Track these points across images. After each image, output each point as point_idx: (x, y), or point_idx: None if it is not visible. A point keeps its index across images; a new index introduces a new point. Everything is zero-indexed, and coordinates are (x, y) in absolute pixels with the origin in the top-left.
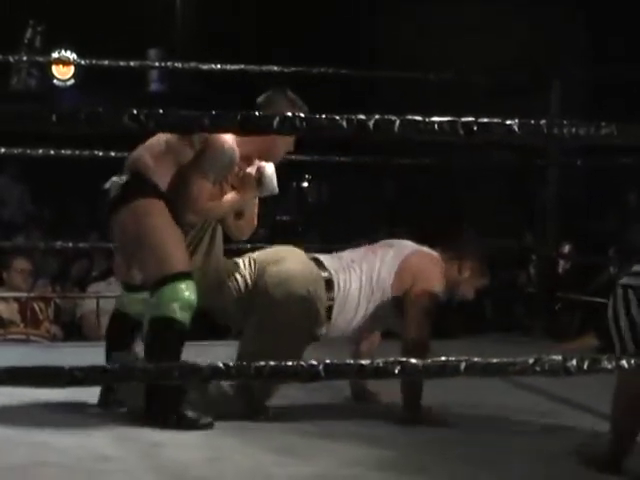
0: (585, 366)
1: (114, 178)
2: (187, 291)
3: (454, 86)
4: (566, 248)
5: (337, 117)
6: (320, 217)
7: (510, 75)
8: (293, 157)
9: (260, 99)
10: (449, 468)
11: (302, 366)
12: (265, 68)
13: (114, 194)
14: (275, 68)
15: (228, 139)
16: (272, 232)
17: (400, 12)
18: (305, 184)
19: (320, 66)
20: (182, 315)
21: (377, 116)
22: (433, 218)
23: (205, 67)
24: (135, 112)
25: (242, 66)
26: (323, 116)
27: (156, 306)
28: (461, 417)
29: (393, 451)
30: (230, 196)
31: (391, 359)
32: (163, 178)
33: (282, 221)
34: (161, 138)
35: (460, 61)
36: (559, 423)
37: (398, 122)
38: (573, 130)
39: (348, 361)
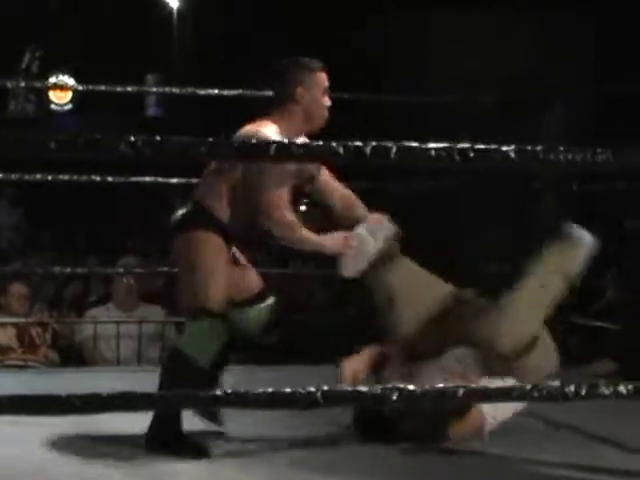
0: (583, 392)
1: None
2: (203, 332)
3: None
4: None
5: (334, 144)
6: None
7: (511, 94)
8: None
9: (275, 71)
10: None
11: (300, 393)
12: (262, 93)
13: (175, 221)
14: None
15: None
16: (269, 257)
17: (401, 24)
18: (303, 208)
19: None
20: (195, 354)
21: (374, 143)
22: (428, 242)
23: (202, 92)
24: (132, 139)
25: (240, 91)
26: (320, 143)
27: (182, 337)
28: (463, 443)
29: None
30: (319, 240)
31: (389, 385)
32: (222, 205)
33: (278, 247)
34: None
35: (462, 76)
36: (555, 446)
37: (395, 149)
38: (569, 156)
39: (346, 387)
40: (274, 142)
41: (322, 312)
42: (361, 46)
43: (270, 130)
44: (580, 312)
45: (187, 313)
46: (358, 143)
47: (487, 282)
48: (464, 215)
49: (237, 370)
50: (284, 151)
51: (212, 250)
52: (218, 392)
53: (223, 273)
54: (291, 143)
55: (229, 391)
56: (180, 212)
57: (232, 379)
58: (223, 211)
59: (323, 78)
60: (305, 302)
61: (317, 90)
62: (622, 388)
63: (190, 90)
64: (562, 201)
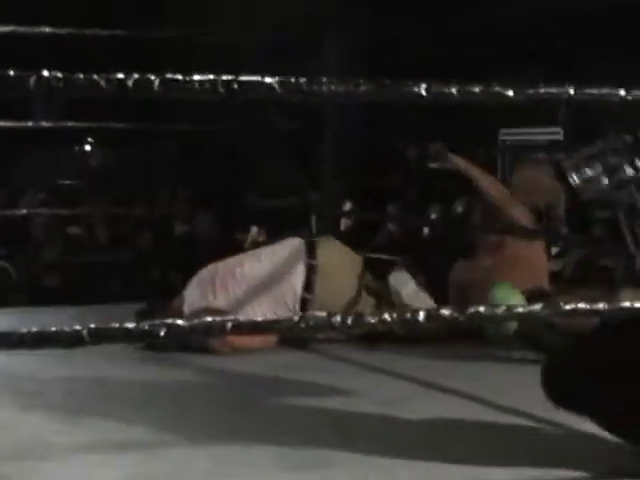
0: (349, 322)
1: None
2: None
3: (234, 45)
4: (347, 206)
5: (96, 76)
6: (104, 181)
7: (284, 32)
8: (70, 124)
9: None
10: None
11: (65, 332)
12: (38, 30)
13: None
14: (47, 30)
15: None
16: (53, 196)
17: None
18: (88, 147)
19: (92, 26)
20: None
21: (136, 75)
22: (215, 180)
23: None
24: None
25: (13, 28)
26: (81, 76)
27: None
28: None
29: None
30: None
31: (157, 321)
32: None
33: (64, 185)
34: None
35: (241, 19)
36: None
37: (158, 81)
38: (332, 87)
39: (114, 325)
40: (33, 75)
41: (103, 253)
42: None
43: None
44: (363, 247)
45: None
46: (120, 75)
47: (272, 217)
48: (249, 154)
49: (17, 312)
50: (43, 83)
51: None
52: None
53: None
54: (53, 76)
55: None
56: None
57: (11, 321)
58: None
59: None
60: (87, 243)
61: None
62: (387, 316)
63: None
64: (343, 137)
